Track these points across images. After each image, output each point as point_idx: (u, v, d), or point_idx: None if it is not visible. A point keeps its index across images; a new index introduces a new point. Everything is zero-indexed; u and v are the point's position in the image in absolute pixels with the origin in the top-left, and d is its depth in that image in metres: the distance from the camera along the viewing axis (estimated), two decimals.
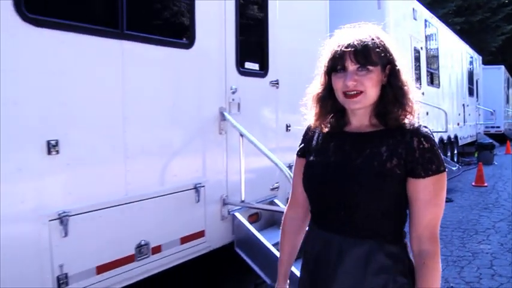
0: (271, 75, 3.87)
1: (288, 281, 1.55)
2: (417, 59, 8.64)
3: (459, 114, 12.02)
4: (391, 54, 1.31)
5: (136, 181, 2.60)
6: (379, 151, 1.29)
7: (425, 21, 9.20)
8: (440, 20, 11.03)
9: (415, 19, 8.52)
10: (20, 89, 2.10)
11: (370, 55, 1.27)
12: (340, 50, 1.28)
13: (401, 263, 1.30)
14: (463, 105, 12.47)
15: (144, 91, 2.68)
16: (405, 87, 1.32)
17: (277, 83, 3.92)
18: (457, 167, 8.61)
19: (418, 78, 8.71)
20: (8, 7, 2.03)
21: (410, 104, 1.31)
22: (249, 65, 3.58)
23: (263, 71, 3.78)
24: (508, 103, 19.76)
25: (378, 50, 1.28)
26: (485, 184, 8.83)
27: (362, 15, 6.13)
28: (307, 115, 1.44)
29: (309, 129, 1.49)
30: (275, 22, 3.92)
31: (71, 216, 2.26)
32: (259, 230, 3.49)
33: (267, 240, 3.28)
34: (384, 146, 1.29)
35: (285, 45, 4.01)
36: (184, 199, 2.92)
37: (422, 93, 8.87)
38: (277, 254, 3.65)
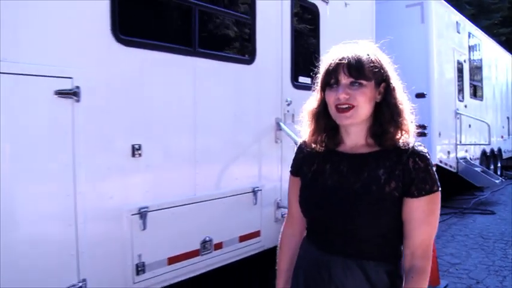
0: None
1: None
2: (460, 72, 8.63)
3: (503, 127, 11.78)
4: (386, 72, 1.30)
5: (204, 183, 2.89)
6: (377, 174, 1.27)
7: (469, 33, 9.16)
8: (484, 31, 10.91)
9: (458, 32, 8.53)
10: (111, 99, 2.43)
11: (363, 69, 1.26)
12: (334, 63, 1.28)
13: (400, 281, 1.31)
14: (508, 117, 12.22)
15: (212, 102, 2.98)
16: (401, 106, 1.30)
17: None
18: (500, 180, 8.47)
19: (461, 91, 8.70)
20: (106, 30, 2.37)
21: (406, 123, 1.30)
22: (302, 79, 3.82)
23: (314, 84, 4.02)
24: None
25: (372, 65, 1.27)
26: None
27: (406, 29, 6.36)
28: (302, 131, 1.43)
29: (301, 147, 1.48)
30: (325, 37, 4.16)
31: (149, 211, 2.56)
32: None
33: None
34: (381, 168, 1.28)
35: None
36: (244, 201, 3.19)
37: (465, 106, 8.84)
38: None
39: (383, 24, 5.51)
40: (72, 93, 2.19)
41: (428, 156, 1.28)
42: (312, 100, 1.39)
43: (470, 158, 8.92)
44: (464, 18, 8.94)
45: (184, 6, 2.85)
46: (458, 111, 8.38)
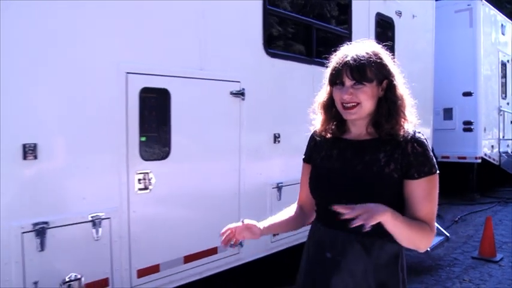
0: None
1: (258, 225, 1.52)
2: (503, 71, 9.12)
3: None
4: (387, 71, 1.40)
5: None
6: (378, 157, 1.38)
7: None
8: None
9: (503, 34, 9.01)
10: (262, 98, 3.19)
11: (365, 72, 1.35)
12: (338, 66, 1.38)
13: (401, 260, 1.41)
14: None
15: None
16: (399, 102, 1.40)
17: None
18: None
19: (504, 89, 9.18)
20: (259, 45, 3.14)
21: (403, 117, 1.40)
22: None
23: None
24: None
25: (373, 66, 1.36)
26: None
27: (454, 32, 7.03)
28: (315, 120, 1.55)
29: (312, 137, 1.59)
30: (399, 45, 4.84)
31: (283, 186, 3.33)
32: None
33: None
34: (381, 152, 1.38)
35: (403, 61, 4.91)
36: None
37: (507, 103, 9.32)
38: None
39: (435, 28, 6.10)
40: (240, 94, 2.97)
41: (426, 142, 1.39)
42: (322, 92, 1.51)
43: (511, 152, 9.41)
44: (507, 20, 9.39)
45: (306, 26, 3.61)
46: (501, 108, 8.89)
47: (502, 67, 9.03)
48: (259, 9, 3.12)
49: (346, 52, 1.39)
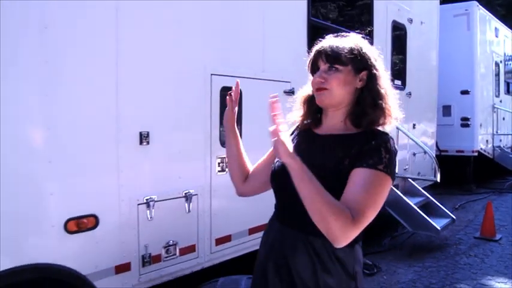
0: (407, 88, 5.33)
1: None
2: (496, 71, 9.71)
3: None
4: (367, 61, 1.34)
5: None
6: (335, 153, 1.31)
7: (505, 36, 10.21)
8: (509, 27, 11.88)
9: (496, 36, 9.59)
10: None
11: (339, 56, 1.32)
12: (317, 51, 1.37)
13: (348, 267, 1.31)
14: None
15: None
16: (383, 91, 1.34)
17: (410, 94, 5.37)
18: None
19: (497, 88, 9.76)
20: (304, 51, 3.61)
21: (388, 108, 1.34)
22: (396, 82, 5.04)
23: (403, 85, 5.24)
24: None
25: (348, 52, 1.32)
26: None
27: (453, 35, 7.67)
28: (292, 113, 1.50)
29: (293, 130, 1.54)
30: (411, 49, 5.36)
31: None
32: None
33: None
34: (340, 147, 1.31)
35: (413, 63, 5.45)
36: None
37: (500, 101, 9.91)
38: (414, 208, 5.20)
39: None
40: (291, 92, 3.44)
41: (387, 140, 1.29)
42: (307, 86, 1.48)
43: (504, 146, 10.02)
44: (501, 23, 9.98)
45: None
46: (495, 106, 9.48)
47: (495, 67, 9.63)
48: (304, 21, 3.60)
49: (325, 41, 1.39)
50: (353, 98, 1.35)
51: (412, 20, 5.46)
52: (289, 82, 3.43)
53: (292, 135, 1.50)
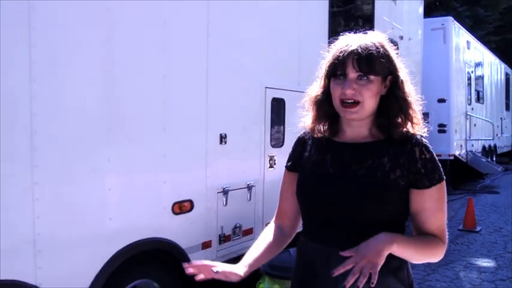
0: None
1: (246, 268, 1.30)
2: (469, 81, 10.98)
3: (497, 126, 14.28)
4: (394, 65, 1.29)
5: None
6: (381, 162, 1.26)
7: (475, 49, 11.54)
8: (479, 40, 13.30)
9: (468, 49, 10.87)
10: None
11: (373, 64, 1.23)
12: (343, 55, 1.24)
13: (402, 275, 1.29)
14: (501, 118, 14.73)
15: None
16: (409, 98, 1.30)
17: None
18: (501, 168, 10.91)
19: (469, 96, 11.04)
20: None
21: (414, 115, 1.30)
22: None
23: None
24: None
25: (382, 59, 1.24)
26: None
27: (431, 47, 8.98)
28: (304, 117, 1.42)
29: (298, 141, 1.47)
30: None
31: None
32: None
33: None
34: (385, 156, 1.26)
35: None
36: None
37: (472, 109, 11.20)
38: None
39: None
40: None
41: (427, 144, 1.28)
42: (314, 87, 1.39)
43: (475, 151, 11.30)
44: (472, 36, 11.30)
45: None
46: (468, 113, 10.72)
47: (467, 77, 10.89)
48: (326, 41, 4.43)
49: (349, 41, 1.28)
50: (377, 106, 1.29)
51: (402, 37, 6.43)
52: None
53: (301, 147, 1.45)
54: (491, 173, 11.18)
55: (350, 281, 1.08)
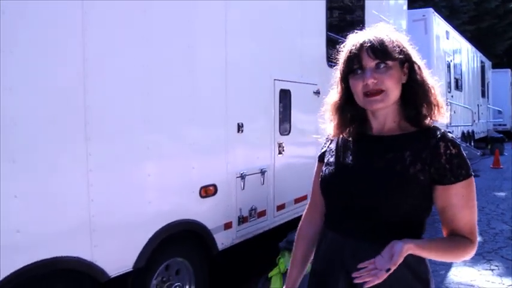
0: None
1: None
2: (448, 70, 11.51)
3: (475, 113, 14.94)
4: (407, 51, 1.28)
5: None
6: (403, 155, 1.25)
7: (453, 38, 12.07)
8: (455, 29, 13.88)
9: (447, 39, 11.38)
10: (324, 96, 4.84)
11: (387, 49, 1.23)
12: (356, 47, 1.26)
13: (419, 271, 1.28)
14: (478, 105, 15.41)
15: None
16: (430, 84, 1.29)
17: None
18: (480, 152, 11.51)
19: (449, 84, 11.57)
20: (324, 60, 4.78)
21: (438, 101, 1.29)
22: None
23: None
24: None
25: (395, 44, 1.24)
26: (501, 166, 11.78)
27: (413, 38, 9.39)
28: (327, 127, 1.43)
29: (328, 137, 1.50)
30: None
31: None
32: None
33: None
34: (407, 150, 1.25)
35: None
36: None
37: (452, 96, 11.74)
38: None
39: None
40: (317, 92, 4.59)
41: (453, 138, 1.26)
42: (332, 94, 1.39)
43: (455, 137, 11.84)
44: (450, 27, 11.82)
45: None
46: (448, 100, 11.25)
47: (447, 66, 11.41)
48: (323, 35, 4.76)
49: (359, 35, 1.30)
50: (399, 95, 1.28)
51: None
52: (316, 85, 4.58)
53: (330, 142, 1.48)
54: (471, 157, 11.75)
55: (362, 277, 1.14)
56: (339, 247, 1.32)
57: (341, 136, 1.42)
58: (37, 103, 2.15)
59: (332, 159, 1.41)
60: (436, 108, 1.30)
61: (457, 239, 1.26)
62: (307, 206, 1.58)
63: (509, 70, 21.45)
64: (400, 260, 1.13)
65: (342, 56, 1.33)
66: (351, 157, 1.36)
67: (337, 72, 1.36)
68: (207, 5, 3.16)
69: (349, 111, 1.36)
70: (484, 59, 17.18)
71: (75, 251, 2.33)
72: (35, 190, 2.14)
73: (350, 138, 1.39)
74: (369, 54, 1.24)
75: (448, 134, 1.28)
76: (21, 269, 2.07)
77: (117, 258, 2.55)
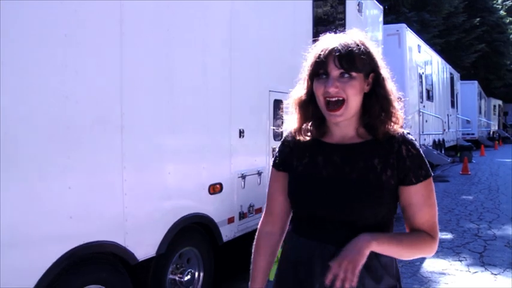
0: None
1: None
2: (420, 81, 12.30)
3: (445, 122, 15.85)
4: (375, 62, 1.32)
5: None
6: (373, 163, 1.30)
7: (425, 52, 12.90)
8: (426, 42, 14.75)
9: (419, 52, 12.19)
10: None
11: (354, 61, 1.26)
12: (324, 54, 1.28)
13: (392, 270, 1.35)
14: (448, 115, 16.33)
15: None
16: (390, 97, 1.33)
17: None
18: (450, 159, 12.32)
19: (421, 95, 12.36)
20: None
21: (396, 113, 1.34)
22: None
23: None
24: (480, 113, 24.19)
25: (362, 56, 1.27)
26: (469, 173, 12.62)
27: (387, 51, 10.24)
28: (288, 120, 1.46)
29: (286, 140, 1.49)
30: None
31: None
32: None
33: None
34: (376, 158, 1.31)
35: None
36: None
37: (423, 106, 12.54)
38: None
39: None
40: None
41: (414, 141, 1.35)
42: (298, 89, 1.43)
43: (427, 145, 12.65)
44: (422, 40, 12.65)
45: None
46: (420, 110, 12.02)
47: (419, 77, 12.20)
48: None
49: (330, 40, 1.32)
50: (361, 105, 1.32)
51: None
52: None
53: (289, 148, 1.47)
54: (442, 164, 12.58)
55: (329, 277, 1.20)
56: (318, 255, 1.34)
57: (302, 143, 1.42)
58: (85, 109, 2.59)
59: (300, 173, 1.41)
60: (393, 122, 1.35)
61: (419, 234, 1.33)
62: (263, 215, 1.58)
63: (476, 82, 22.73)
64: (363, 260, 1.22)
65: (311, 57, 1.36)
66: (321, 168, 1.37)
67: (305, 69, 1.40)
68: (216, 30, 3.66)
69: (311, 108, 1.39)
70: (453, 70, 18.20)
71: (112, 236, 2.76)
72: (84, 182, 2.57)
73: (312, 146, 1.40)
74: (335, 63, 1.28)
75: (408, 135, 1.36)
76: (72, 250, 2.49)
77: (144, 244, 2.99)
